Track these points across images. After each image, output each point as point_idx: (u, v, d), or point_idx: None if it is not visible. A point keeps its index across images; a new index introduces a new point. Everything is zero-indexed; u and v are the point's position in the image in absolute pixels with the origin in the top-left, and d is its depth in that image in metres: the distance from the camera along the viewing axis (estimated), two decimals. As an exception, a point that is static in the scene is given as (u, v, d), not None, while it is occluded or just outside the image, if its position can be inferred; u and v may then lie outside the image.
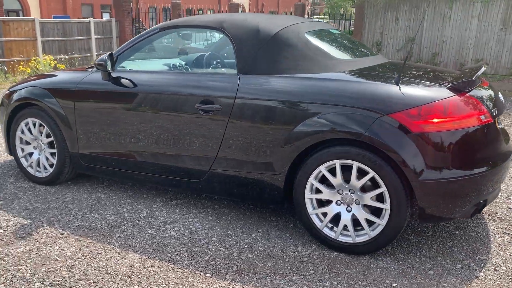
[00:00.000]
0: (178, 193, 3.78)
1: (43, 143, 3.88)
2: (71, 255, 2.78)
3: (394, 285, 2.52)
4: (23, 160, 4.01)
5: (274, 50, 3.05)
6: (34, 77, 4.09)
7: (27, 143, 3.99)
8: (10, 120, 4.00)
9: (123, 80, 3.40)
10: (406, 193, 2.61)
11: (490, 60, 10.53)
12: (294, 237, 3.06)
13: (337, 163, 2.72)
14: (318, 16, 29.74)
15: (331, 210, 2.82)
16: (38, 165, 3.95)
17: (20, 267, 2.65)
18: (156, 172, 3.40)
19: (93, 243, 2.94)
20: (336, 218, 2.85)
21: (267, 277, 2.58)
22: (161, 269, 2.65)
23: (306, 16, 21.48)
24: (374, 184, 2.72)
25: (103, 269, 2.64)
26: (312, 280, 2.56)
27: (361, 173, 2.71)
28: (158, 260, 2.74)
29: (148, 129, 3.32)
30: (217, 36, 4.33)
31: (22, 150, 4.01)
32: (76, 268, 2.64)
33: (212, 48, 4.33)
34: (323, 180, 2.85)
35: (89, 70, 3.77)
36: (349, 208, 2.79)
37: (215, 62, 3.95)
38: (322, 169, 2.77)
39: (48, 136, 3.83)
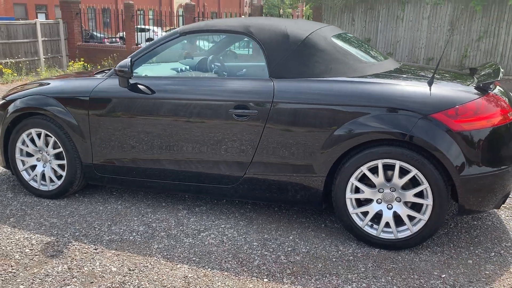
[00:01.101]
0: (197, 199, 3.72)
1: (48, 155, 3.67)
2: (117, 271, 2.67)
3: (443, 276, 2.66)
4: (24, 173, 3.77)
5: (306, 54, 3.09)
6: (31, 85, 3.86)
7: (29, 155, 3.76)
8: (8, 131, 3.74)
9: (144, 87, 3.30)
10: (447, 189, 2.76)
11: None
12: (330, 237, 3.13)
13: (380, 163, 2.82)
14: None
15: (372, 208, 2.92)
16: (43, 178, 3.73)
17: (67, 287, 2.51)
18: (182, 179, 3.34)
19: (134, 257, 2.84)
20: (375, 216, 2.95)
21: (324, 278, 2.63)
22: (216, 278, 2.62)
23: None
24: (411, 181, 2.85)
25: (158, 283, 2.56)
26: (367, 277, 2.64)
27: (401, 172, 2.83)
28: (209, 269, 2.71)
29: (174, 136, 3.25)
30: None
31: (23, 162, 3.76)
32: (129, 283, 2.55)
33: (213, 51, 4.28)
34: (360, 180, 2.94)
35: (98, 76, 3.62)
36: (389, 206, 2.90)
37: (217, 66, 3.92)
38: (364, 169, 2.86)
39: (55, 147, 3.63)
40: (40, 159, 3.72)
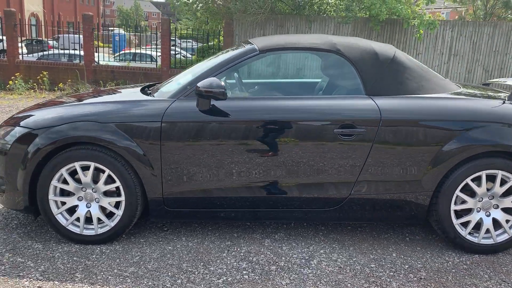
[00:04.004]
0: (267, 226, 3.47)
1: (95, 192, 3.06)
2: (274, 316, 2.37)
3: (550, 272, 2.96)
4: (59, 217, 3.08)
5: (397, 72, 3.15)
6: (57, 107, 3.19)
7: (65, 193, 3.09)
8: (37, 167, 3.02)
9: (233, 109, 2.99)
10: (534, 193, 3.07)
11: (343, 73, 12.17)
12: (426, 249, 3.21)
13: (483, 173, 3.01)
14: (114, 28, 28.37)
15: (474, 217, 3.09)
16: (87, 220, 3.10)
17: None
18: (276, 206, 3.10)
19: (274, 297, 2.55)
20: (466, 224, 3.12)
21: (467, 289, 2.71)
22: (377, 306, 2.50)
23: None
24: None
25: (330, 322, 2.35)
26: (499, 283, 2.79)
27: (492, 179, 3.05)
28: (360, 298, 2.58)
29: (269, 161, 3.00)
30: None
31: (56, 203, 3.08)
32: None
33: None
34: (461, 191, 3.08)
35: (145, 96, 3.21)
36: (487, 213, 3.10)
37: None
38: (468, 180, 3.02)
39: (107, 182, 3.05)
40: (83, 198, 3.09)
